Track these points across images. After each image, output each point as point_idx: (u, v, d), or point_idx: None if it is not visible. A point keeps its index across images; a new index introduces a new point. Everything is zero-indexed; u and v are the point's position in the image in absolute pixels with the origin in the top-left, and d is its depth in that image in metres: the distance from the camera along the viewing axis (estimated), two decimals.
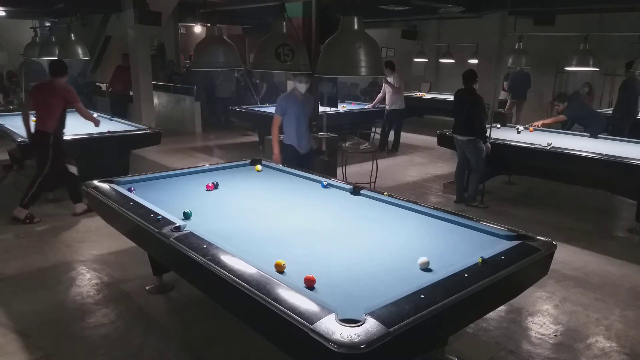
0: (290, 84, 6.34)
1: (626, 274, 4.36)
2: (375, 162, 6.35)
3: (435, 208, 3.40)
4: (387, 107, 9.03)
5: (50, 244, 4.73)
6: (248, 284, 2.19)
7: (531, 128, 7.11)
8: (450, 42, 12.35)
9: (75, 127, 6.55)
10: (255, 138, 9.67)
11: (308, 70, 4.24)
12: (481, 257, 2.46)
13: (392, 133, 9.26)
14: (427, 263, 2.47)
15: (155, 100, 9.80)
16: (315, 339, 1.82)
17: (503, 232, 2.93)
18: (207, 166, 4.71)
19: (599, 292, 4.00)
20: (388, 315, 1.94)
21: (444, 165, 8.30)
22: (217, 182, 3.91)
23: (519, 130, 7.03)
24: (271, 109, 9.00)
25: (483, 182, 6.13)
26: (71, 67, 13.09)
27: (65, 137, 5.70)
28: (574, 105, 7.09)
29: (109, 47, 12.06)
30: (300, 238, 2.93)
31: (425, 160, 8.84)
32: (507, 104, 11.23)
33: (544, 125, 7.11)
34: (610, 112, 8.34)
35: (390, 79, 8.76)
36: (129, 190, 3.68)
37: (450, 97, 7.37)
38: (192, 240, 2.69)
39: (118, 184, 3.83)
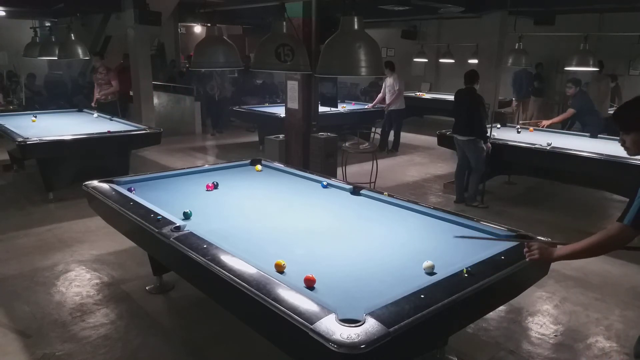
0: (290, 84, 6.25)
1: (626, 274, 4.35)
2: (375, 162, 6.34)
3: (435, 208, 3.40)
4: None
5: (50, 244, 4.73)
6: (248, 284, 2.19)
7: (531, 128, 7.11)
8: (450, 42, 12.34)
9: (76, 127, 6.58)
10: (255, 138, 9.67)
11: (308, 70, 4.24)
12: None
13: (392, 133, 9.26)
14: (432, 267, 2.43)
15: (155, 100, 9.79)
16: (315, 339, 1.82)
17: (503, 232, 2.93)
18: (207, 166, 4.72)
19: (599, 292, 4.00)
20: (388, 315, 1.94)
21: (444, 165, 8.29)
22: (217, 182, 3.91)
23: (519, 130, 7.03)
24: (271, 109, 9.08)
25: (483, 182, 6.12)
26: (71, 67, 13.20)
27: (65, 137, 5.75)
28: (580, 97, 7.08)
29: (109, 47, 12.06)
30: (300, 238, 2.93)
31: (425, 160, 8.84)
32: (513, 105, 11.21)
33: (549, 125, 7.08)
34: (611, 111, 8.34)
35: (390, 79, 8.76)
36: (129, 190, 3.68)
37: (450, 97, 7.37)
38: (192, 240, 2.69)
39: (118, 184, 3.83)
